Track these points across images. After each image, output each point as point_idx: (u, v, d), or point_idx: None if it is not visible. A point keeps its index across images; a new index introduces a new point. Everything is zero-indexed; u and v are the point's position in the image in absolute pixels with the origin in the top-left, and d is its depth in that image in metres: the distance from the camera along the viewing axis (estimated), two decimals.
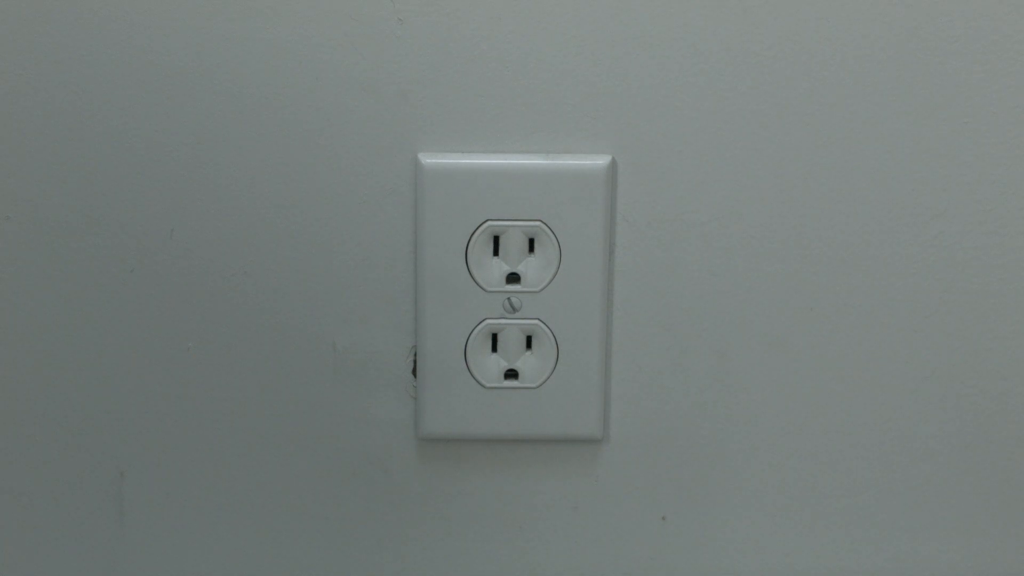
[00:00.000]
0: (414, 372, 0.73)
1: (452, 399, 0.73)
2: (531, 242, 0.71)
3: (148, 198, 0.71)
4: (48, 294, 0.72)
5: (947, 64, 0.69)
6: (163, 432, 0.74)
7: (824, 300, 0.72)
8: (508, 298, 0.71)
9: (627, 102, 0.69)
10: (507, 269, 0.71)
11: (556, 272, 0.71)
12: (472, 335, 0.72)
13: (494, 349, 0.72)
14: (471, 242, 0.70)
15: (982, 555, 0.76)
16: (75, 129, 0.70)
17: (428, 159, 0.70)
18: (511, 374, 0.73)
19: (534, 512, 0.76)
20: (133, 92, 0.69)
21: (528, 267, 0.71)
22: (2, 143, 0.70)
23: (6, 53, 0.69)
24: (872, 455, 0.75)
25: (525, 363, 0.72)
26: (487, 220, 0.70)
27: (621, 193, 0.71)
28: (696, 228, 0.71)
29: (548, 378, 0.72)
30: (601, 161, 0.70)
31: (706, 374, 0.73)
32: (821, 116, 0.70)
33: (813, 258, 0.72)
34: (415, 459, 0.75)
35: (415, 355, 0.73)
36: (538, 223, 0.70)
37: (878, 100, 0.69)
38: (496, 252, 0.71)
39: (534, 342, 0.72)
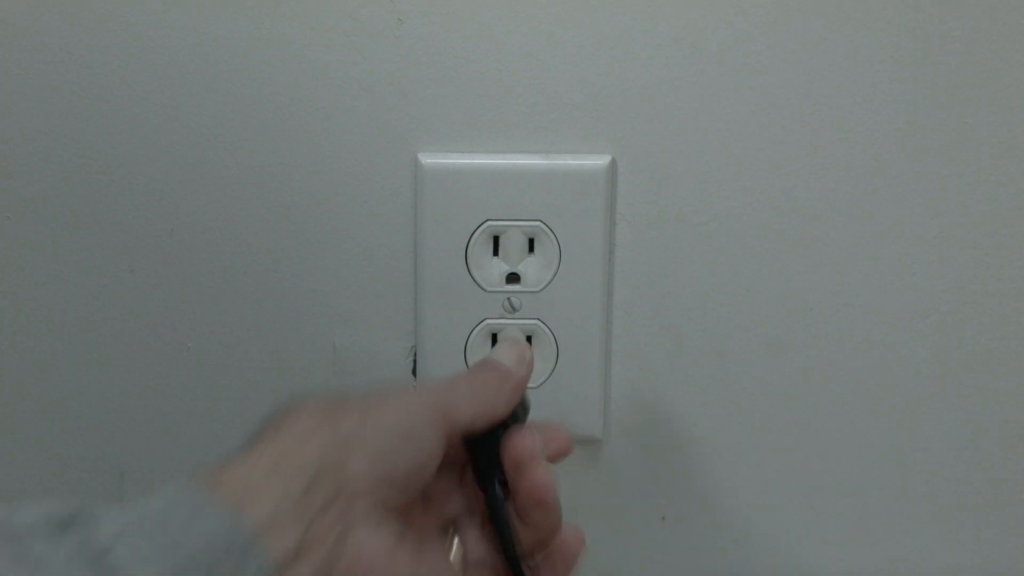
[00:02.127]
0: (414, 372, 0.73)
1: None
2: (531, 242, 0.71)
3: (148, 198, 0.71)
4: (48, 294, 0.72)
5: (947, 64, 0.69)
6: (163, 432, 0.74)
7: (824, 300, 0.72)
8: (508, 298, 0.71)
9: (627, 102, 0.69)
10: (507, 269, 0.71)
11: (556, 272, 0.71)
12: (472, 335, 0.72)
13: None
14: (471, 242, 0.70)
15: (982, 555, 0.76)
16: (75, 129, 0.70)
17: (428, 159, 0.70)
18: None
19: None
20: (133, 92, 0.69)
21: (528, 267, 0.71)
22: (2, 143, 0.70)
23: (6, 53, 0.69)
24: (872, 455, 0.75)
25: None
26: (487, 220, 0.70)
27: (621, 193, 0.71)
28: (696, 228, 0.71)
29: (548, 378, 0.72)
30: (601, 161, 0.70)
31: (706, 374, 0.73)
32: (821, 116, 0.70)
33: (813, 258, 0.72)
34: None
35: (415, 355, 0.73)
36: (538, 223, 0.70)
37: (878, 100, 0.69)
38: (496, 252, 0.71)
39: (534, 342, 0.72)
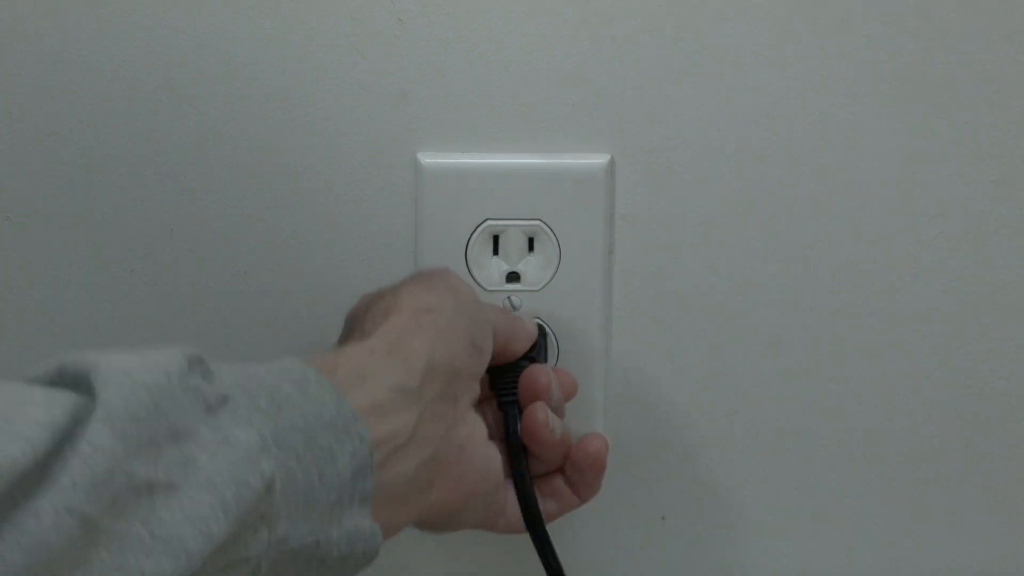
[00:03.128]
0: None
1: None
2: (531, 241, 0.71)
3: (148, 198, 0.71)
4: (48, 294, 0.72)
5: (947, 64, 0.69)
6: None
7: (824, 300, 0.72)
8: (508, 297, 0.71)
9: (626, 102, 0.69)
10: (507, 268, 0.71)
11: (556, 271, 0.71)
12: None
13: None
14: (471, 242, 0.70)
15: (982, 555, 0.76)
16: (75, 129, 0.70)
17: (428, 159, 0.70)
18: None
19: None
20: (133, 92, 0.69)
21: (528, 266, 0.71)
22: (2, 143, 0.70)
23: (6, 53, 0.69)
24: (872, 455, 0.75)
25: None
26: (487, 219, 0.70)
27: (620, 192, 0.71)
28: (696, 228, 0.71)
29: None
30: (600, 160, 0.70)
31: (706, 374, 0.73)
32: (821, 116, 0.70)
33: (813, 258, 0.72)
34: None
35: None
36: (538, 222, 0.70)
37: (878, 100, 0.69)
38: (496, 251, 0.71)
39: None
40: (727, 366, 0.73)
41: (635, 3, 0.68)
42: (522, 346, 0.66)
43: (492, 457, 0.62)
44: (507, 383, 0.65)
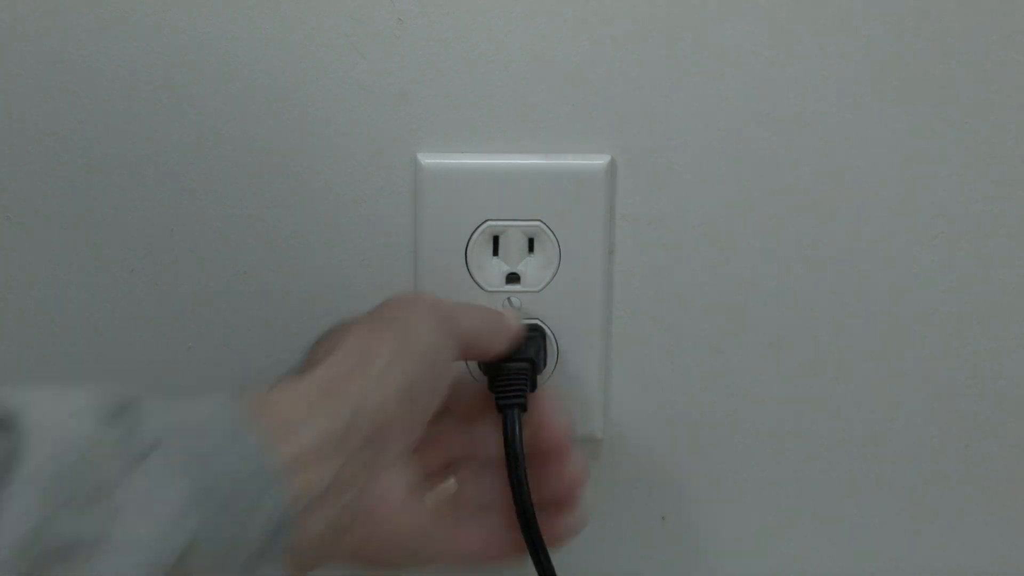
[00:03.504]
0: None
1: None
2: (531, 242, 0.71)
3: (148, 198, 0.71)
4: (48, 294, 0.72)
5: (947, 64, 0.69)
6: None
7: (824, 300, 0.72)
8: (508, 298, 0.71)
9: (627, 102, 0.69)
10: (507, 269, 0.71)
11: (556, 272, 0.71)
12: None
13: None
14: (471, 242, 0.70)
15: (982, 555, 0.76)
16: (75, 128, 0.70)
17: (427, 159, 0.70)
18: None
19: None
20: (133, 91, 0.69)
21: (528, 267, 0.71)
22: (2, 143, 0.70)
23: (6, 53, 0.69)
24: (872, 455, 0.75)
25: None
26: (487, 220, 0.70)
27: (620, 193, 0.71)
28: (696, 228, 0.71)
29: (548, 378, 0.72)
30: (600, 161, 0.70)
31: (706, 374, 0.73)
32: (821, 116, 0.70)
33: (813, 258, 0.72)
34: None
35: None
36: (538, 223, 0.70)
37: (878, 100, 0.69)
38: (496, 252, 0.71)
39: None
40: (727, 366, 0.73)
41: (635, 3, 0.68)
42: (501, 346, 0.65)
43: (403, 524, 0.59)
44: (503, 386, 0.65)
